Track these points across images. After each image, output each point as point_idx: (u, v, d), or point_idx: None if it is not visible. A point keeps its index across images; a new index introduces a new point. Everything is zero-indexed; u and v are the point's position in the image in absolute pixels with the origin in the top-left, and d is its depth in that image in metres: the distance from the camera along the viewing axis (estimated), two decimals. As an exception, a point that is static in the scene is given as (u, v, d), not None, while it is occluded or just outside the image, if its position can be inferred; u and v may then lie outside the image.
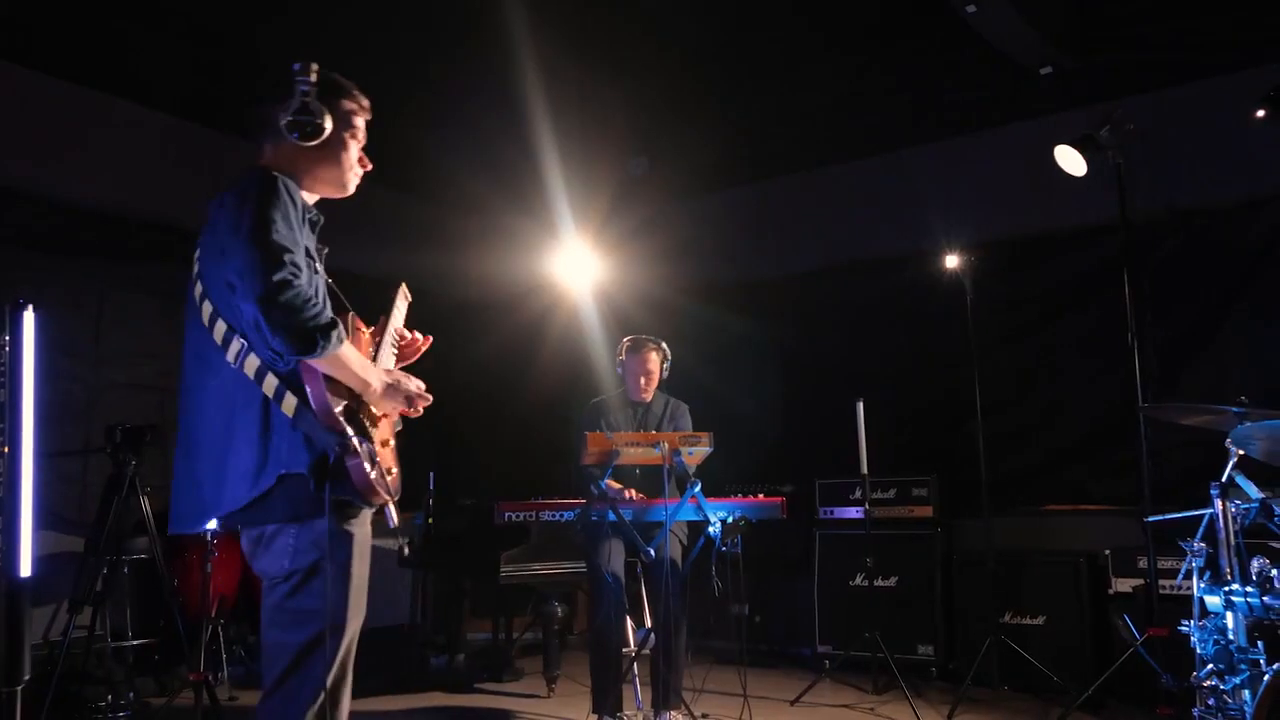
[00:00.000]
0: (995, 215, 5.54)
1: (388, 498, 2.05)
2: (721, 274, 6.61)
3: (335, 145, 2.18)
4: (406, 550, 5.23)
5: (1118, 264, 4.48)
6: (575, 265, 6.41)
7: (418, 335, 2.46)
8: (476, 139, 5.68)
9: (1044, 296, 5.48)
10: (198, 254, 2.12)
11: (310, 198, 2.21)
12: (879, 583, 5.03)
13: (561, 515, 3.92)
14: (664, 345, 4.34)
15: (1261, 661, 2.80)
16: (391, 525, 2.16)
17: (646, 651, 3.89)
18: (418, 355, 2.47)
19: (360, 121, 2.26)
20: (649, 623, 4.05)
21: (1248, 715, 2.68)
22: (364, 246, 4.93)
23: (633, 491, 4.05)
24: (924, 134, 5.97)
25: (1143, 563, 4.31)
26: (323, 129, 2.08)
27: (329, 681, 1.99)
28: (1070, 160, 4.66)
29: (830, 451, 5.37)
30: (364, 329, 2.25)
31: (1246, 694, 2.76)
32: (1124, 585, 4.41)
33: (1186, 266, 5.01)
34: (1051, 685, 4.39)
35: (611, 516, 3.79)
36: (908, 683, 4.36)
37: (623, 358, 4.34)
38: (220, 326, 2.01)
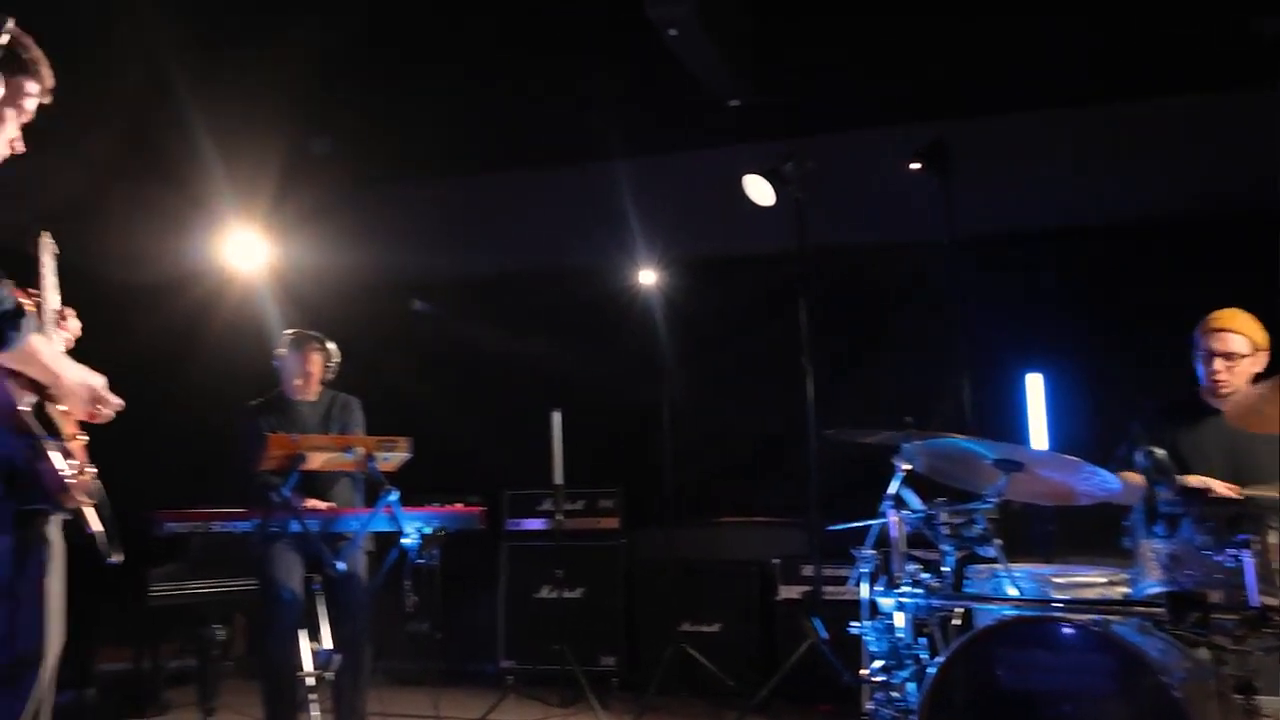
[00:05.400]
0: (686, 235, 5.76)
1: (86, 500, 1.81)
2: (411, 268, 6.27)
3: None
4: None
5: (790, 291, 4.81)
6: (241, 248, 5.77)
7: (69, 313, 2.09)
8: (107, 93, 4.90)
9: (726, 317, 5.78)
10: None
11: None
12: (565, 594, 5.02)
13: (234, 526, 3.45)
14: (331, 347, 4.02)
15: (922, 656, 3.09)
16: (90, 531, 1.88)
17: (327, 675, 3.54)
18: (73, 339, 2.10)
19: (33, 106, 1.96)
20: (326, 643, 3.71)
21: (912, 703, 2.94)
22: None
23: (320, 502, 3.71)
24: (621, 150, 6.11)
25: (806, 570, 4.65)
26: None
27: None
28: (759, 190, 4.96)
29: (516, 462, 5.28)
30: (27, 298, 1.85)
31: (911, 686, 3.03)
32: (790, 592, 4.73)
33: (844, 298, 5.52)
34: (725, 689, 4.59)
35: (295, 527, 3.41)
36: (591, 695, 4.36)
37: (283, 353, 3.97)
38: None
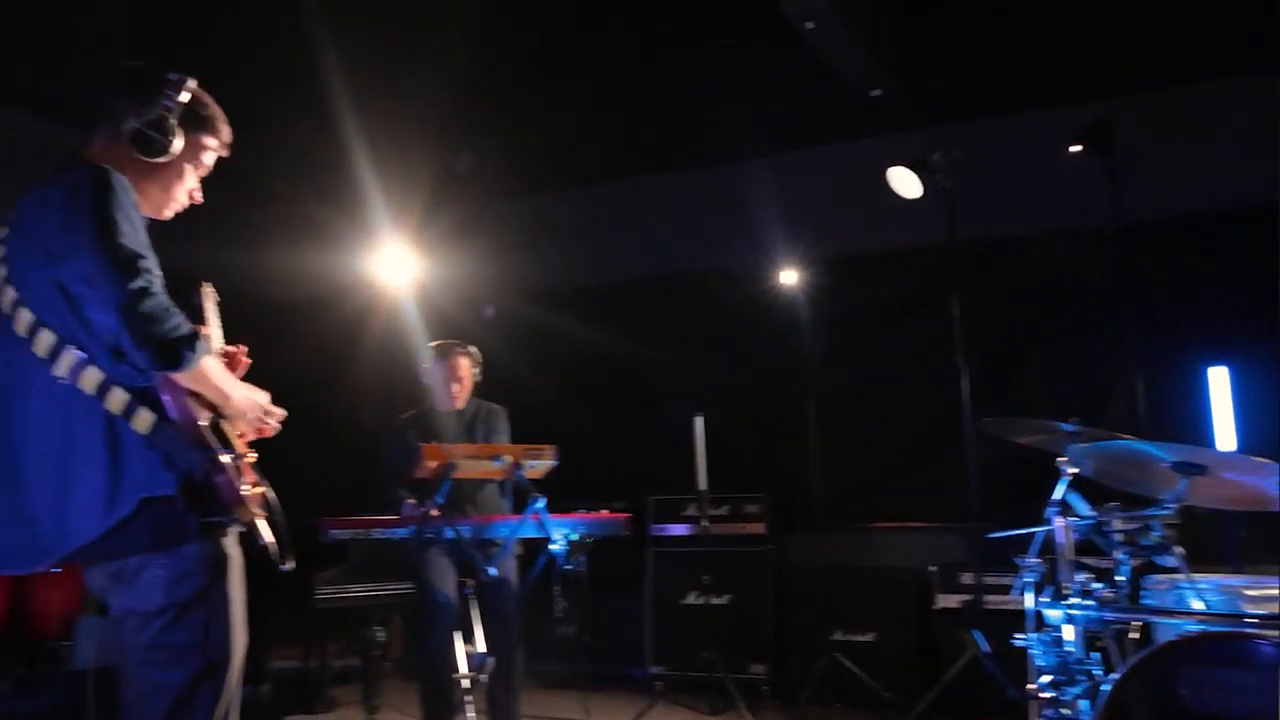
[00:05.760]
0: (828, 232, 5.62)
1: (260, 513, 1.90)
2: (550, 278, 6.38)
3: (172, 171, 2.01)
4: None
5: (941, 285, 4.60)
6: (391, 263, 5.98)
7: (237, 349, 2.26)
8: (267, 119, 5.14)
9: (873, 315, 5.58)
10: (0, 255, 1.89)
11: None
12: (712, 600, 4.96)
13: (393, 533, 3.57)
14: (474, 350, 4.11)
15: (1095, 671, 2.89)
16: (261, 542, 1.96)
17: (481, 677, 3.62)
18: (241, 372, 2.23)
19: (211, 159, 2.10)
20: (480, 646, 3.79)
21: (1084, 722, 2.75)
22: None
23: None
24: (757, 148, 6.01)
25: (966, 579, 4.44)
26: (167, 152, 1.94)
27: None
28: (904, 182, 4.78)
29: (659, 468, 5.27)
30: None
31: (1084, 703, 2.84)
32: (948, 601, 4.51)
33: (1000, 292, 5.23)
34: (881, 701, 4.44)
35: (449, 534, 3.50)
36: (742, 703, 4.30)
37: (429, 365, 4.07)
38: (46, 337, 1.80)
